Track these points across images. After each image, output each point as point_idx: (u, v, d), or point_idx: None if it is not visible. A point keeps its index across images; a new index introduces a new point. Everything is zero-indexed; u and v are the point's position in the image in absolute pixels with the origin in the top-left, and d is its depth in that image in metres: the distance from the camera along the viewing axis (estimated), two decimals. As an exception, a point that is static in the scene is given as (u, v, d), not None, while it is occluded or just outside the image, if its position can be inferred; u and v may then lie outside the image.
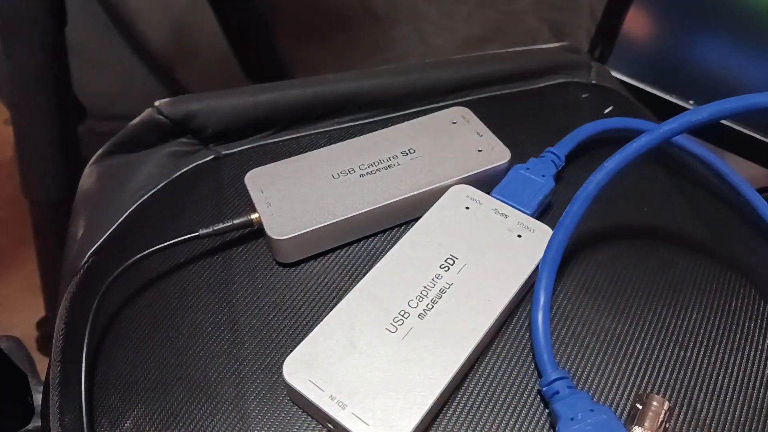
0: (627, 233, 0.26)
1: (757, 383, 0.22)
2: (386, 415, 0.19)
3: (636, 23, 0.41)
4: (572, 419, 0.19)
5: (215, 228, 0.24)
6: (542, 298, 0.22)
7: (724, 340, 0.23)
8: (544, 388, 0.20)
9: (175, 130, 0.30)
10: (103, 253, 0.27)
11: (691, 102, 0.42)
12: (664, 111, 0.42)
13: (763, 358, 0.22)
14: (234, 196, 0.28)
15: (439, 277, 0.22)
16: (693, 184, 0.29)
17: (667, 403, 0.20)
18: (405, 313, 0.21)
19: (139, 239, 0.27)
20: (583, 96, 0.33)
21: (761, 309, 0.24)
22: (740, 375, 0.22)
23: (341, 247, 0.25)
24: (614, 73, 0.41)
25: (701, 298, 0.24)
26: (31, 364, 0.30)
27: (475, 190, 0.25)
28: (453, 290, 0.22)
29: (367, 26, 0.77)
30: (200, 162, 0.30)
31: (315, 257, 0.25)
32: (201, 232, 0.24)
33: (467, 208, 0.24)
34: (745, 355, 0.22)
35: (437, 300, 0.22)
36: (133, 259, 0.24)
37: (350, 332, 0.21)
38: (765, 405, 0.21)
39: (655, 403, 0.20)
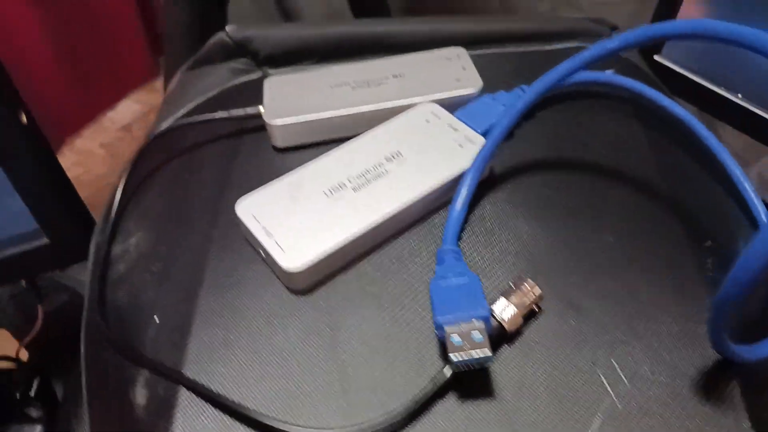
0: (570, 163, 0.28)
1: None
2: (299, 247, 0.24)
3: (691, 11, 0.41)
4: (443, 278, 0.23)
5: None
6: (464, 191, 0.25)
7: (635, 265, 0.24)
8: (438, 255, 0.24)
9: (237, 51, 0.38)
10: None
11: (738, 95, 0.41)
12: (709, 103, 0.41)
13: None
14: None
15: (381, 166, 0.27)
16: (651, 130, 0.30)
17: (538, 288, 0.22)
18: (343, 185, 0.26)
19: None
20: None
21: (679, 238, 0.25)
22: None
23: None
24: (662, 59, 0.41)
25: (620, 223, 0.26)
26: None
27: (440, 107, 0.29)
28: (388, 176, 0.26)
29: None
30: (249, 79, 0.37)
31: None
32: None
33: (427, 120, 0.29)
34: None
35: (373, 181, 0.26)
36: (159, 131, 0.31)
37: (296, 190, 0.26)
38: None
39: (526, 285, 0.23)
